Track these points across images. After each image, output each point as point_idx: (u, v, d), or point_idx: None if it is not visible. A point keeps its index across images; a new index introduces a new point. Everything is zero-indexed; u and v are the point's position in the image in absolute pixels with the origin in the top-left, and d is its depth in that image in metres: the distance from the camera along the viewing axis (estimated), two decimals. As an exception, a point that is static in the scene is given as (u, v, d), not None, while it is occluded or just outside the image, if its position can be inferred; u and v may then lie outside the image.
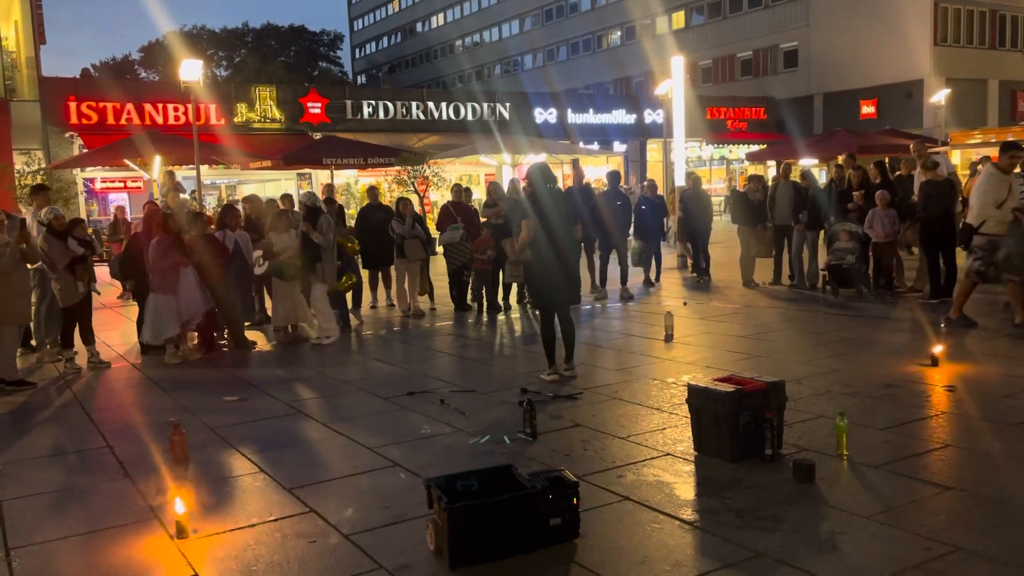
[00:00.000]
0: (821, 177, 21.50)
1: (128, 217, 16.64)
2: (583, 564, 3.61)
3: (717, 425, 4.79)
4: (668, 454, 5.01)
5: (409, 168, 21.14)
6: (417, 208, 13.11)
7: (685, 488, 4.50)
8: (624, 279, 11.96)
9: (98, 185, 22.62)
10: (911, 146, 13.15)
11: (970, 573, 3.37)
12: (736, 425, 4.70)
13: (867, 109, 33.82)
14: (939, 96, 28.22)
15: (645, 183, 14.18)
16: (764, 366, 6.92)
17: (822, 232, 11.69)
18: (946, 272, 9.95)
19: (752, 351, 7.84)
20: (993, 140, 20.39)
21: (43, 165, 19.63)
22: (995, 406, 5.68)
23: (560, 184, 13.13)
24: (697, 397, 4.94)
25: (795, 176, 12.36)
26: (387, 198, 17.76)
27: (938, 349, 6.89)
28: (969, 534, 3.72)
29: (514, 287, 11.46)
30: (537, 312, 8.01)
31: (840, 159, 12.67)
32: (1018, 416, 5.41)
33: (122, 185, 22.58)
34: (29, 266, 7.95)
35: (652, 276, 13.14)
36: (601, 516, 4.10)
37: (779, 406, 4.86)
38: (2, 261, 7.31)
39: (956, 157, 21.08)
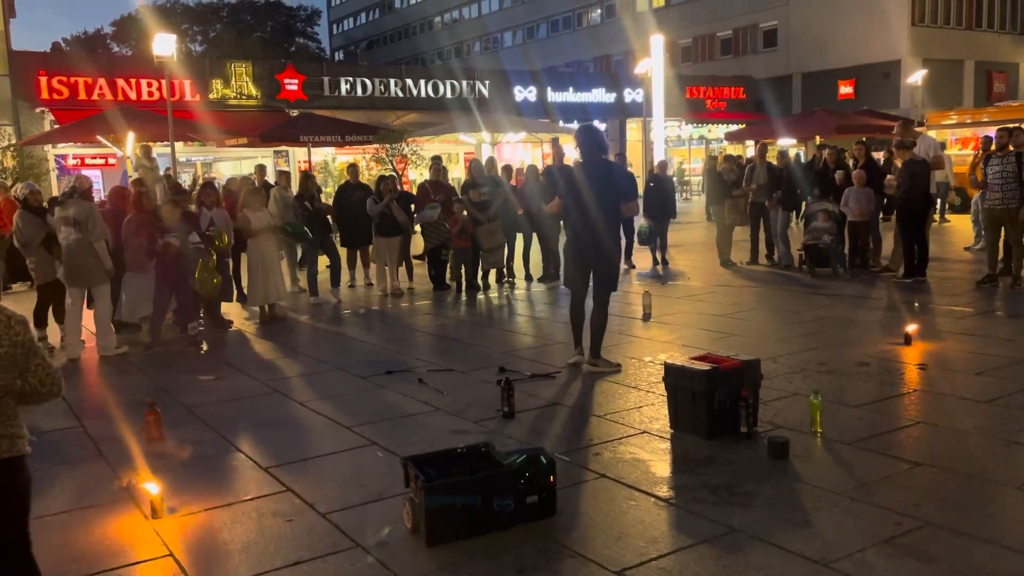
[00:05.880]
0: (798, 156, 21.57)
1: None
2: (560, 541, 3.63)
3: (693, 403, 4.83)
4: (645, 432, 5.05)
5: (387, 146, 20.95)
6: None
7: (661, 465, 4.53)
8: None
9: (70, 162, 22.22)
10: (895, 128, 13.04)
11: (940, 547, 3.43)
12: (712, 403, 4.74)
13: (845, 89, 33.90)
14: (916, 77, 28.35)
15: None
16: (740, 345, 6.96)
17: (794, 212, 11.65)
18: (919, 252, 10.05)
19: (729, 330, 7.89)
20: (968, 121, 20.50)
21: (13, 141, 19.24)
22: (966, 384, 5.77)
23: (539, 164, 13.04)
24: (674, 375, 4.97)
25: (771, 156, 12.35)
26: (365, 176, 17.59)
27: (911, 328, 6.98)
28: (939, 509, 3.78)
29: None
30: (517, 292, 7.96)
31: (819, 139, 12.71)
32: (988, 393, 5.49)
33: (98, 162, 22.18)
34: None
35: (658, 256, 12.67)
36: (578, 493, 4.13)
37: (754, 384, 4.91)
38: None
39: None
